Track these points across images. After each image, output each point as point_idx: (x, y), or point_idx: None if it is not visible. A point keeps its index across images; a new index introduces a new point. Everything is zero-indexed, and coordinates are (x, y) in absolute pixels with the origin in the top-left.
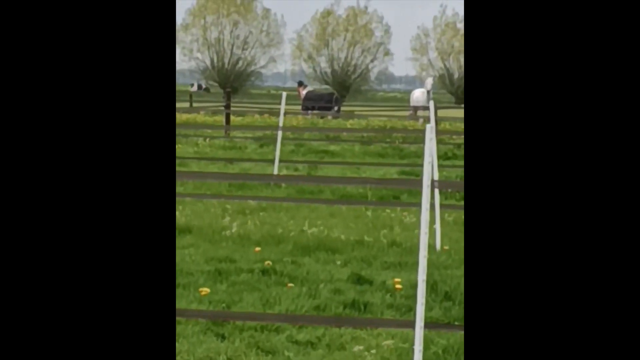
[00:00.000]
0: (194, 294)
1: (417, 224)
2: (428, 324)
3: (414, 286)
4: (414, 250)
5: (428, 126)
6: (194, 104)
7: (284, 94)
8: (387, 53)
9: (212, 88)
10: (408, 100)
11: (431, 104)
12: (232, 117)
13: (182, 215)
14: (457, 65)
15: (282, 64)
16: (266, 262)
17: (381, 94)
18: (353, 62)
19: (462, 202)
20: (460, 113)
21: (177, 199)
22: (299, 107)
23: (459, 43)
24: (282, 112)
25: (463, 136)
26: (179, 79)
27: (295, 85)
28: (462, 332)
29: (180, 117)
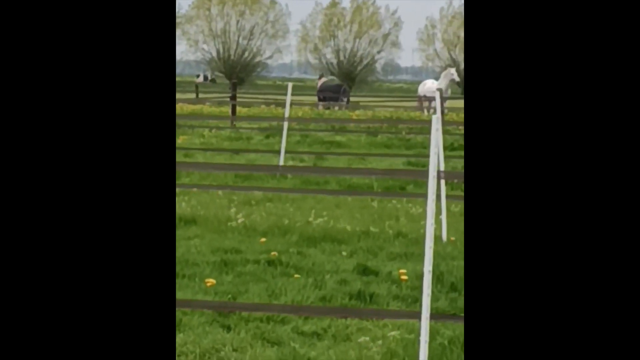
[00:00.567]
0: (199, 284)
1: (423, 215)
2: (434, 315)
3: (420, 277)
4: (420, 241)
5: (434, 117)
6: (200, 95)
7: (290, 84)
8: (394, 44)
9: (218, 79)
10: (416, 91)
11: (437, 95)
12: (238, 108)
13: (188, 206)
14: (463, 56)
15: (287, 55)
16: (272, 253)
17: (387, 84)
18: (359, 53)
19: None
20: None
21: (183, 189)
22: (305, 99)
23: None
24: (288, 102)
25: None
26: (185, 70)
27: (302, 75)
28: None
29: (186, 108)
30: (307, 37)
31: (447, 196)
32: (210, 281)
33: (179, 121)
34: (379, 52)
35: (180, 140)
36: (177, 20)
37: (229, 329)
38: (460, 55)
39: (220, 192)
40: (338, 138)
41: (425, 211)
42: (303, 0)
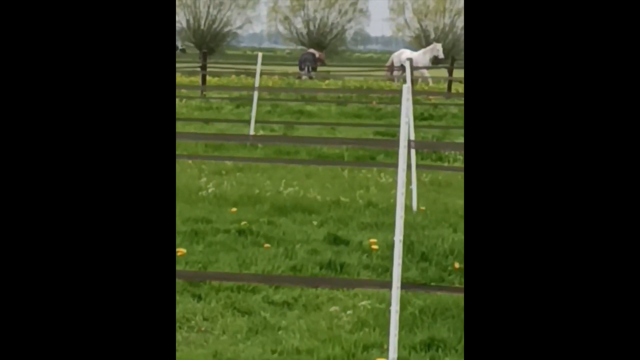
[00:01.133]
0: None
1: (394, 185)
2: (404, 285)
3: (391, 247)
4: (391, 210)
5: (405, 86)
6: None
7: (260, 54)
8: (362, 12)
9: (188, 49)
10: (386, 60)
11: (407, 64)
12: (208, 78)
13: None
14: (432, 25)
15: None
16: (242, 223)
17: (357, 54)
18: (329, 23)
19: (439, 163)
20: (436, 73)
21: None
22: (275, 68)
23: (435, 3)
24: (258, 72)
25: (439, 96)
26: None
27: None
28: (439, 293)
29: None
30: (277, 7)
31: (418, 166)
32: (181, 251)
33: None
34: (349, 22)
35: None
36: None
37: (199, 298)
38: (430, 25)
39: (190, 161)
40: (308, 108)
41: (395, 181)
42: None
